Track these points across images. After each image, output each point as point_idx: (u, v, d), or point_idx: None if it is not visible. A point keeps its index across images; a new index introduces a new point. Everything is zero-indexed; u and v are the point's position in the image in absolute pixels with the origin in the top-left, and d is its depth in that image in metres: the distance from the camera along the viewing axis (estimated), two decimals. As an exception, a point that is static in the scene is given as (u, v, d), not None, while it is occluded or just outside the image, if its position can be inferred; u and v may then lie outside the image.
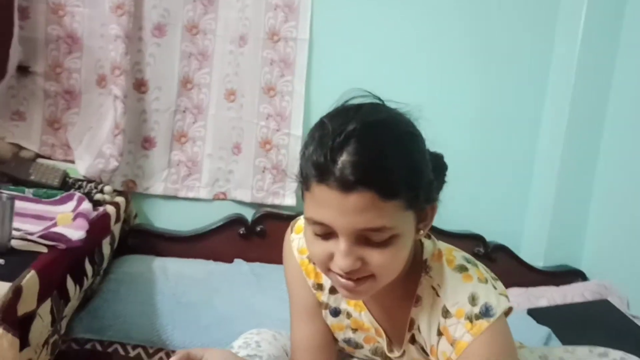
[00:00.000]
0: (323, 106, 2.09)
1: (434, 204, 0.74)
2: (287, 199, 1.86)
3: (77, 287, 1.20)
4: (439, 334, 0.75)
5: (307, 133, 0.73)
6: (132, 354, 1.28)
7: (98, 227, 1.37)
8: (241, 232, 1.78)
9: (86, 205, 1.33)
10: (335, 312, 0.88)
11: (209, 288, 1.49)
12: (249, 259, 1.74)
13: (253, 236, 1.79)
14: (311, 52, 1.82)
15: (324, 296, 0.87)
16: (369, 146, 0.65)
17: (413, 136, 0.71)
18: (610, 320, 1.55)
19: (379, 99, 0.74)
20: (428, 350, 0.78)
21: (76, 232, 1.16)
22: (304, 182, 0.69)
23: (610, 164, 1.86)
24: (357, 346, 0.89)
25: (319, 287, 0.87)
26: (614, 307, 1.61)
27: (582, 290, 1.69)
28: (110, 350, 1.28)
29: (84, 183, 1.52)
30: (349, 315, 0.87)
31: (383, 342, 0.86)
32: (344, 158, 0.64)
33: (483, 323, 0.71)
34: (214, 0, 1.74)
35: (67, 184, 1.49)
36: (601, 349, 1.07)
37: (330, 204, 0.65)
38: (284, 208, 1.86)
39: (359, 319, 0.86)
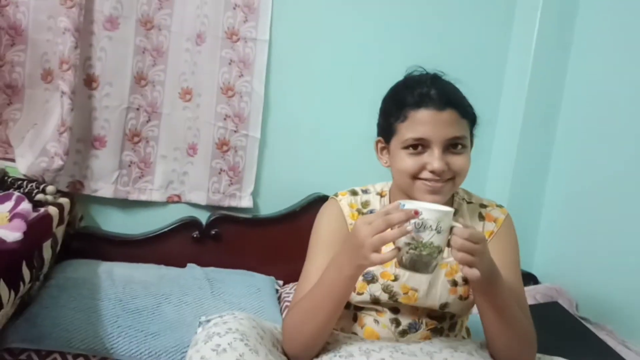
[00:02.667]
0: (282, 107, 2.05)
1: (473, 139, 1.03)
2: (244, 201, 1.82)
3: (12, 293, 1.11)
4: (481, 219, 1.09)
5: (385, 96, 1.05)
6: (73, 364, 1.21)
7: (38, 229, 1.29)
8: (195, 235, 1.72)
9: (25, 206, 1.24)
10: None
11: (159, 293, 1.42)
12: (202, 263, 1.68)
13: (207, 240, 1.73)
14: (270, 53, 1.79)
15: None
16: (446, 86, 0.99)
17: None
18: (561, 322, 1.59)
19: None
20: None
21: (12, 234, 1.09)
22: (399, 116, 0.97)
23: (561, 175, 1.91)
24: (373, 279, 1.05)
25: None
26: (564, 309, 1.65)
27: (534, 293, 1.72)
28: (48, 360, 1.19)
29: (25, 182, 1.43)
30: None
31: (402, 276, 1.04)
32: (433, 91, 0.95)
33: (504, 208, 1.11)
34: (169, -5, 1.69)
35: (5, 184, 1.40)
36: None
37: (429, 121, 0.94)
38: (239, 211, 1.81)
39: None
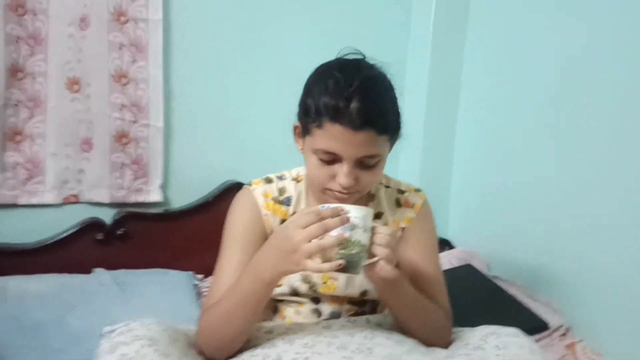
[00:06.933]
0: (185, 92, 1.94)
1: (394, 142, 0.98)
2: (153, 195, 1.72)
3: None
4: (399, 205, 1.07)
5: (309, 78, 0.94)
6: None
7: None
8: (99, 237, 1.59)
9: None
10: None
11: (61, 304, 1.31)
12: (110, 266, 1.56)
13: (114, 241, 1.61)
14: (168, 35, 1.67)
15: None
16: (371, 96, 0.87)
17: (393, 87, 0.95)
18: (474, 282, 1.67)
19: (363, 55, 0.97)
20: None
21: None
22: (315, 120, 0.88)
23: (466, 144, 1.97)
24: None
25: (284, 222, 1.02)
26: (477, 270, 1.73)
27: (449, 258, 1.79)
28: None
29: None
30: None
31: None
32: (353, 105, 0.85)
33: (422, 193, 1.10)
34: (42, -25, 1.51)
35: None
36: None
37: (342, 138, 0.87)
38: (148, 206, 1.70)
39: None
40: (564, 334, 1.46)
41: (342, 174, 0.89)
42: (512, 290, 1.62)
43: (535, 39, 1.69)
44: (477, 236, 1.92)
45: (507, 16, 1.82)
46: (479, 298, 1.56)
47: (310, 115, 0.89)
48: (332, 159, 0.90)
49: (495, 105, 1.86)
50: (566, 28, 1.58)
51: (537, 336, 1.40)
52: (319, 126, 0.88)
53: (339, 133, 0.86)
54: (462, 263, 1.77)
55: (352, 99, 0.85)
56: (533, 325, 1.42)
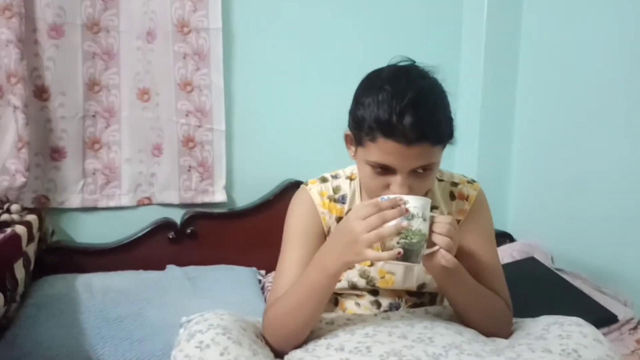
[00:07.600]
0: (245, 96, 2.02)
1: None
2: (218, 195, 1.81)
3: (-14, 319, 1.09)
4: (453, 198, 1.08)
5: (360, 88, 0.93)
6: (60, 380, 1.19)
7: (7, 250, 1.27)
8: (171, 236, 1.70)
9: (-11, 229, 1.21)
10: None
11: (140, 299, 1.41)
12: (181, 263, 1.67)
13: (184, 239, 1.72)
14: (228, 43, 1.76)
15: None
16: (423, 109, 0.86)
17: (445, 93, 0.93)
18: (538, 275, 1.63)
19: (413, 61, 0.95)
20: None
21: (-23, 259, 1.06)
22: (368, 134, 0.88)
23: (525, 135, 1.93)
24: (349, 267, 1.03)
25: (340, 219, 1.04)
26: (540, 262, 1.69)
27: (511, 251, 1.76)
28: (34, 381, 1.18)
29: (-13, 204, 1.39)
30: None
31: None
32: (407, 120, 0.84)
33: (476, 184, 1.10)
34: (114, -5, 1.64)
35: (-34, 208, 1.36)
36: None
37: (396, 153, 0.86)
38: (213, 206, 1.80)
39: None
40: (634, 328, 1.41)
41: (396, 184, 0.89)
42: (578, 283, 1.58)
43: (593, 28, 1.64)
44: (538, 229, 1.87)
45: (562, 6, 1.76)
46: (544, 290, 1.53)
47: (362, 129, 0.89)
48: (385, 170, 0.90)
49: (555, 95, 1.81)
50: (625, 14, 1.52)
51: (606, 329, 1.36)
52: (372, 140, 0.88)
53: (393, 148, 0.86)
54: (524, 256, 1.74)
55: (405, 113, 0.84)
56: (601, 317, 1.38)
